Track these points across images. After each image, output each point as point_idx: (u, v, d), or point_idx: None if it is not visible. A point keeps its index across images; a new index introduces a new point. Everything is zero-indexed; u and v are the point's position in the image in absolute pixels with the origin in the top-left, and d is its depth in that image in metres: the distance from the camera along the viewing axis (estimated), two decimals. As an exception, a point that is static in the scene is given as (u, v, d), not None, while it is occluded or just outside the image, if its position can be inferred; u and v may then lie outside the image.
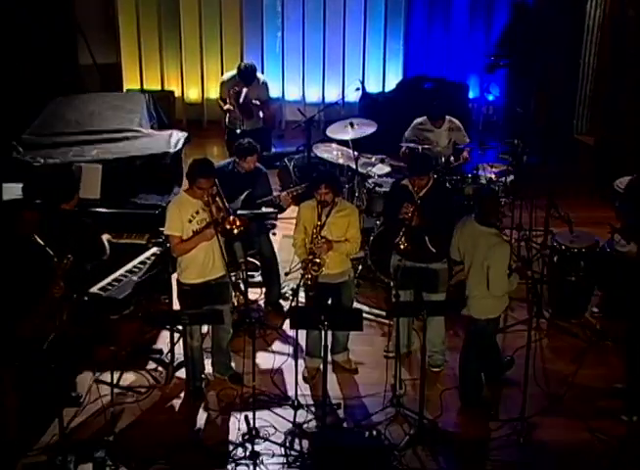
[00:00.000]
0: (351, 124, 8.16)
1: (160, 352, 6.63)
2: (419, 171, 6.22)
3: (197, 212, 5.87)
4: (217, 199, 5.86)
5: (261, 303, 7.41)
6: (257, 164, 6.94)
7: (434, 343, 6.51)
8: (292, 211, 7.11)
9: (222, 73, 10.98)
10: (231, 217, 5.87)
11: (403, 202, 6.17)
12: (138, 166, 7.22)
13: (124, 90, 10.98)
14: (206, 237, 5.85)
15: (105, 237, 6.36)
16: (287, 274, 7.80)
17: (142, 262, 6.46)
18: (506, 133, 9.04)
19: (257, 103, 8.58)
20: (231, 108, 8.53)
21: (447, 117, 8.07)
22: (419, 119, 8.12)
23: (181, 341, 6.30)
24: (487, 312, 5.95)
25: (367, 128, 8.22)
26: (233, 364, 6.47)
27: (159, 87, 11.35)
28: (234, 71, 8.81)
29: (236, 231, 5.87)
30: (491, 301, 5.88)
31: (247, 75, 8.57)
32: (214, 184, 5.84)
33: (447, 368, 6.61)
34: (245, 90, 8.45)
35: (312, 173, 6.89)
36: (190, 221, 5.87)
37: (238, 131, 8.46)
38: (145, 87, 11.23)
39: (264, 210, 6.81)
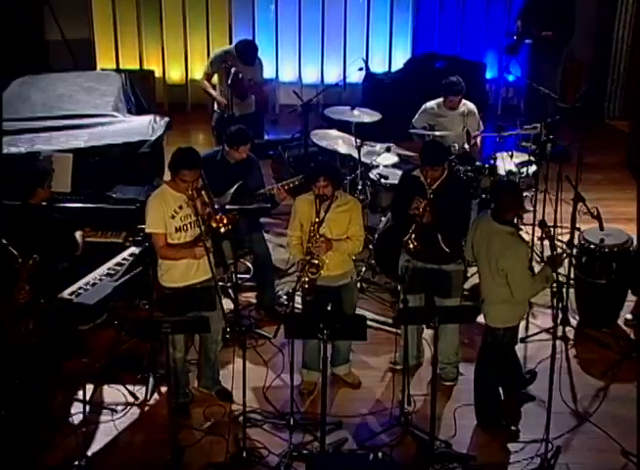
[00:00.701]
0: (353, 112, 8.18)
1: (139, 364, 6.65)
2: (433, 161, 6.22)
3: (180, 207, 5.88)
4: (203, 193, 5.86)
5: (253, 309, 7.43)
6: (249, 153, 6.95)
7: (446, 354, 6.53)
8: (286, 206, 7.12)
9: (209, 51, 11.03)
10: (218, 215, 5.87)
11: (414, 195, 6.18)
12: (114, 156, 7.23)
13: (98, 69, 10.98)
14: (194, 256, 5.86)
15: (78, 234, 6.37)
16: (281, 277, 7.82)
17: (118, 264, 6.46)
18: (528, 118, 9.03)
19: (252, 83, 8.60)
20: (220, 98, 8.51)
21: (463, 100, 8.08)
22: (429, 103, 8.13)
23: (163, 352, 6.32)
24: (504, 320, 5.96)
25: (370, 117, 8.24)
26: (221, 378, 6.49)
27: (137, 66, 11.36)
28: (227, 47, 8.82)
29: (223, 230, 5.86)
30: (508, 306, 5.89)
31: (248, 54, 8.58)
32: (200, 176, 5.85)
33: (461, 382, 6.62)
34: (234, 69, 8.46)
35: (310, 164, 6.89)
36: (173, 217, 5.88)
37: (226, 116, 8.48)
38: (121, 66, 11.24)
39: (256, 205, 6.83)
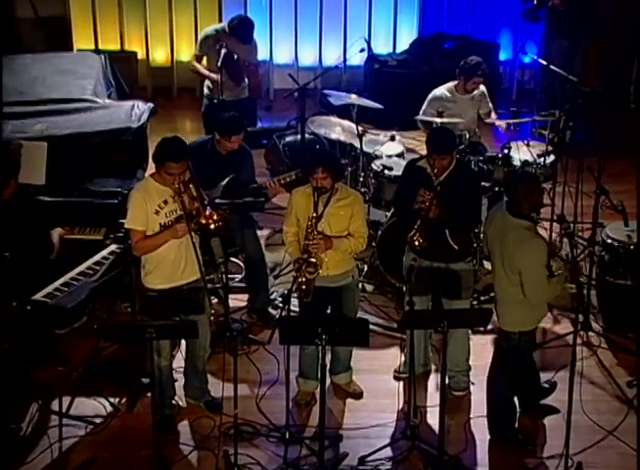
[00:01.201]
0: (354, 97, 8.19)
1: (121, 373, 6.63)
2: (440, 149, 6.21)
3: (165, 202, 5.88)
4: (191, 186, 5.85)
5: (245, 312, 7.44)
6: (242, 143, 6.94)
7: (456, 361, 6.53)
8: (282, 200, 7.13)
9: (196, 30, 11.02)
10: (207, 210, 5.86)
11: (419, 187, 6.18)
12: (92, 145, 7.22)
13: (74, 50, 10.97)
14: (177, 234, 5.84)
15: (56, 232, 6.36)
16: (276, 277, 7.82)
17: (98, 263, 6.46)
18: (545, 103, 9.04)
19: (247, 65, 8.60)
20: (214, 76, 8.50)
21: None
22: (440, 90, 8.11)
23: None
24: (520, 324, 5.95)
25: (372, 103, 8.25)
26: (210, 388, 6.49)
27: (117, 47, 11.36)
28: (218, 24, 8.81)
29: (213, 227, 5.85)
30: (524, 309, 5.89)
31: (244, 31, 8.57)
32: (187, 168, 5.85)
33: (473, 392, 6.62)
34: (224, 50, 8.45)
35: (307, 153, 6.88)
36: (157, 213, 5.87)
37: (216, 101, 8.48)
38: (100, 47, 11.23)
39: (248, 199, 6.83)
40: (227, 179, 6.81)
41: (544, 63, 8.69)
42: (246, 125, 6.97)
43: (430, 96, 8.13)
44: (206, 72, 8.70)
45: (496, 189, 7.69)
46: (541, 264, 5.76)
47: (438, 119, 7.86)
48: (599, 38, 10.59)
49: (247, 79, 8.80)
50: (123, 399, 6.46)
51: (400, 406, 6.25)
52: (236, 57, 8.46)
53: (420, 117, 8.12)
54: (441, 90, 8.12)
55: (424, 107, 8.13)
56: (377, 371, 6.85)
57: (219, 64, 8.40)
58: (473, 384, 6.65)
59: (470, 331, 6.61)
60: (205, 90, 8.85)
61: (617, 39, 10.65)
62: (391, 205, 7.59)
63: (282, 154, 9.25)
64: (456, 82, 8.06)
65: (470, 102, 8.06)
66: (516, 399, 6.22)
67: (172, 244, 5.90)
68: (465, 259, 6.41)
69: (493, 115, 8.22)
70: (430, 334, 6.73)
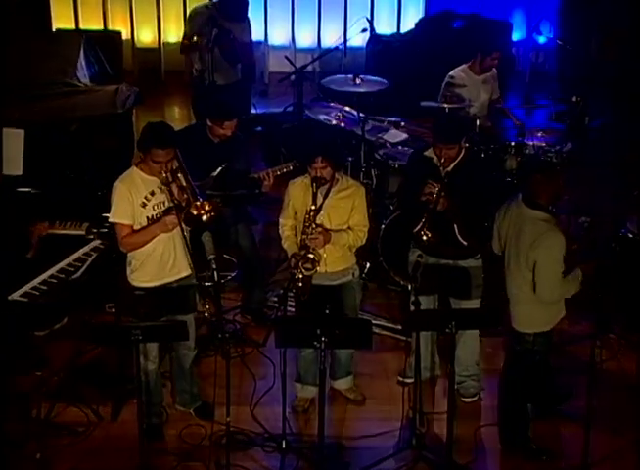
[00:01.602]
0: (355, 80, 8.17)
1: (104, 378, 6.63)
2: (447, 137, 6.20)
3: (152, 194, 5.87)
4: (180, 176, 5.84)
5: (238, 313, 7.45)
6: (235, 130, 6.93)
7: (465, 365, 6.53)
8: (278, 191, 7.10)
9: (185, 9, 11.01)
10: (198, 201, 5.86)
11: (426, 178, 6.17)
12: (74, 132, 7.22)
13: (53, 30, 10.95)
14: (166, 227, 5.84)
15: (37, 230, 6.36)
16: (271, 274, 7.81)
17: (79, 259, 6.47)
18: (562, 87, 9.04)
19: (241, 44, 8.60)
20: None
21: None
22: (456, 72, 8.13)
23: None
24: (535, 324, 5.94)
25: (375, 86, 8.23)
26: (200, 393, 6.48)
27: (100, 26, 11.35)
28: (210, 1, 8.78)
29: (205, 218, 5.84)
30: (540, 308, 5.88)
31: (237, 8, 8.55)
32: (175, 156, 5.84)
33: (483, 399, 6.63)
34: (215, 31, 8.43)
35: (305, 142, 6.87)
36: (144, 205, 5.86)
37: (207, 85, 8.47)
38: (82, 26, 11.22)
39: (243, 191, 6.85)
40: (219, 169, 6.80)
41: (560, 43, 8.69)
42: (240, 111, 6.94)
43: (446, 80, 8.13)
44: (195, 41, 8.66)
45: (508, 180, 7.68)
46: (557, 261, 5.74)
47: (447, 105, 7.85)
48: (610, 26, 10.58)
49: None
50: (107, 407, 6.45)
51: (405, 414, 6.24)
52: (232, 35, 8.42)
53: (426, 102, 8.11)
54: (457, 72, 8.16)
55: (443, 92, 8.12)
56: (380, 376, 6.86)
57: (211, 43, 8.36)
58: (483, 389, 6.66)
59: (479, 333, 6.60)
60: (194, 73, 8.83)
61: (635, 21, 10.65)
62: (395, 197, 7.60)
63: (278, 142, 9.25)
64: (470, 63, 8.05)
65: (482, 85, 8.06)
66: (530, 405, 6.20)
67: (160, 238, 5.89)
68: (474, 256, 6.40)
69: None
70: (437, 336, 6.72)
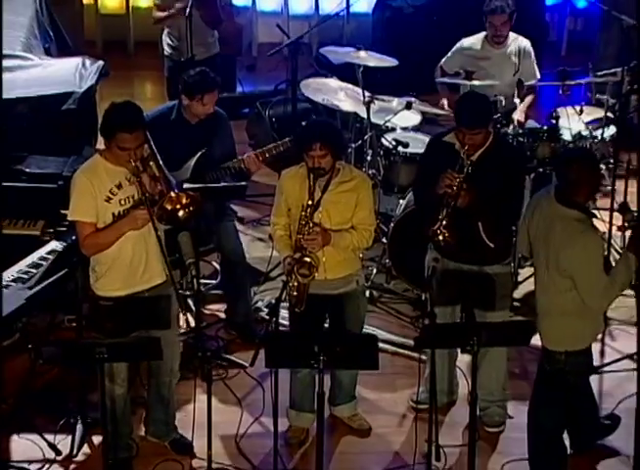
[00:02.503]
0: (359, 53, 8.18)
1: (63, 405, 6.61)
2: (472, 121, 6.16)
3: (119, 186, 5.85)
4: (151, 164, 5.83)
5: (221, 327, 7.43)
6: (217, 108, 6.94)
7: (490, 389, 6.52)
8: (268, 184, 7.10)
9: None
10: (174, 193, 5.84)
11: (446, 169, 6.14)
12: (25, 115, 7.20)
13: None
14: (135, 223, 5.81)
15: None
16: (261, 282, 7.81)
17: (34, 265, 6.45)
18: (604, 60, 9.02)
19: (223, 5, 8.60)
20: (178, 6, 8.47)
21: (513, 34, 8.09)
22: (468, 40, 8.14)
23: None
24: (567, 341, 5.91)
25: (383, 60, 8.24)
26: (177, 423, 6.47)
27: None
28: None
29: (182, 214, 5.82)
30: (575, 322, 5.85)
31: None
32: (145, 141, 5.83)
33: (511, 429, 6.62)
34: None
35: (300, 125, 6.87)
36: (108, 200, 5.84)
37: (183, 60, 8.47)
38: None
39: (227, 183, 6.85)
40: (197, 156, 6.79)
41: (604, 7, 8.67)
42: (220, 83, 6.92)
43: (455, 46, 8.14)
44: (172, 11, 8.65)
45: (540, 170, 7.67)
46: (597, 263, 5.72)
47: (467, 82, 7.84)
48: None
49: (216, 32, 8.77)
50: (66, 439, 6.42)
51: (418, 446, 6.23)
52: None
53: (442, 79, 8.10)
54: (470, 41, 8.14)
55: (445, 58, 8.14)
56: (388, 401, 6.86)
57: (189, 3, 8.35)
58: (510, 418, 6.65)
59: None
60: (166, 49, 8.84)
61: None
62: (407, 190, 7.59)
63: (268, 126, 9.25)
64: (487, 32, 8.06)
65: (506, 58, 8.04)
66: (566, 436, 6.20)
67: (129, 238, 5.86)
68: (502, 261, 6.38)
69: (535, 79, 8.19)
70: (456, 354, 6.71)
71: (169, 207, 5.80)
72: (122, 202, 5.86)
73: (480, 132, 6.16)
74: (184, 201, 5.82)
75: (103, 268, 5.96)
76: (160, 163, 5.91)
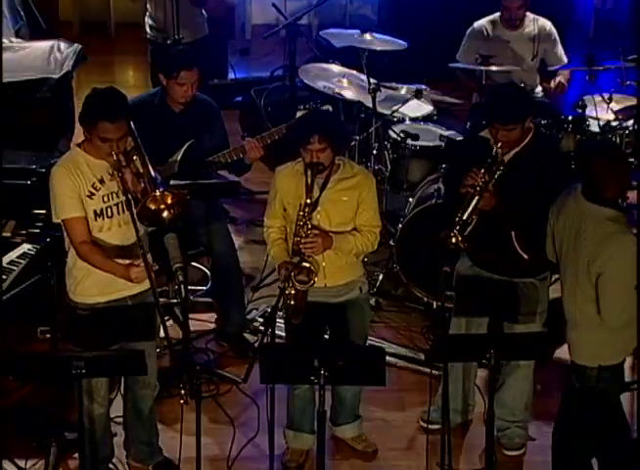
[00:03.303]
0: (363, 36, 8.20)
1: (36, 425, 6.62)
2: (503, 115, 6.09)
3: (101, 182, 5.85)
4: (135, 159, 5.85)
5: (212, 339, 7.46)
6: (205, 96, 6.97)
7: (511, 408, 6.53)
8: (262, 181, 7.11)
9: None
10: (158, 191, 5.85)
11: (477, 164, 6.06)
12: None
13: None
14: (128, 278, 5.83)
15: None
16: (255, 289, 7.82)
17: (4, 270, 6.45)
18: (636, 44, 9.02)
19: None
20: None
21: (532, 14, 8.10)
22: (480, 23, 8.15)
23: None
24: (600, 355, 5.89)
25: (390, 43, 8.26)
26: (162, 444, 6.48)
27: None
28: None
29: (166, 215, 5.82)
30: (607, 334, 5.85)
31: None
32: (129, 132, 5.85)
33: (533, 451, 6.63)
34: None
35: (298, 115, 6.89)
36: (91, 196, 5.84)
37: (169, 42, 8.49)
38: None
39: (218, 180, 6.91)
40: (184, 148, 6.81)
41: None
42: (201, 61, 6.93)
43: (468, 31, 8.17)
44: None
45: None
46: (628, 271, 5.69)
47: (484, 67, 7.86)
48: None
49: (203, 11, 8.81)
50: (39, 463, 6.43)
51: (430, 470, 6.25)
52: None
53: (457, 64, 8.12)
54: (482, 22, 8.17)
55: (462, 46, 8.15)
56: (396, 421, 6.89)
57: None
58: (532, 439, 6.66)
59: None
60: (148, 31, 8.86)
61: None
62: (416, 188, 7.60)
63: (263, 115, 9.27)
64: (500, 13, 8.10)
65: (523, 42, 8.06)
66: (595, 461, 6.19)
67: (110, 240, 5.88)
68: (538, 276, 6.34)
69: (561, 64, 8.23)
70: (474, 370, 6.73)
71: (153, 206, 5.79)
72: (105, 198, 5.86)
73: (515, 128, 6.10)
74: (169, 201, 5.81)
75: (81, 273, 5.96)
76: (146, 158, 5.92)
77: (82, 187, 5.82)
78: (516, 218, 6.17)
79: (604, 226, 5.72)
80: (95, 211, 5.85)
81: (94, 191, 5.84)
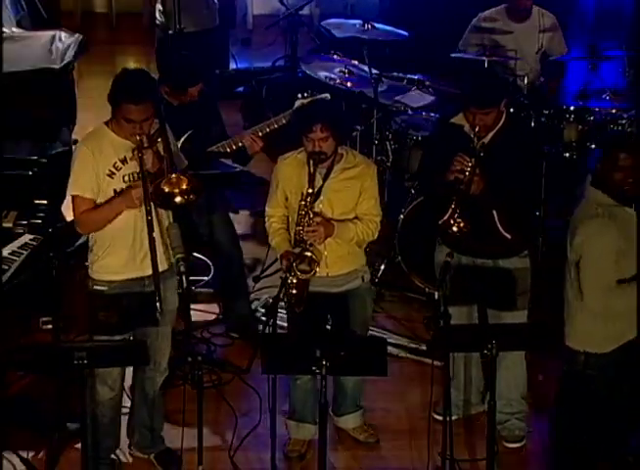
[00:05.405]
0: (365, 26, 8.19)
1: (38, 416, 6.62)
2: (481, 100, 6.18)
3: (123, 161, 5.85)
4: (160, 141, 5.86)
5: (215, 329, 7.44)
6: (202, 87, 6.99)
7: (508, 399, 6.54)
8: (264, 170, 7.10)
9: None
10: (174, 174, 5.81)
11: (455, 152, 6.16)
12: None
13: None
14: (131, 201, 5.81)
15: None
16: (257, 279, 7.83)
17: (5, 260, 6.46)
18: (638, 33, 9.01)
19: None
20: None
21: (536, 7, 8.09)
22: (485, 14, 8.15)
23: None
24: (589, 341, 5.82)
25: (392, 34, 8.25)
26: (164, 434, 6.47)
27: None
28: None
29: (178, 199, 5.79)
30: (596, 319, 5.82)
31: None
32: (155, 115, 5.84)
33: (533, 442, 6.63)
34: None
35: (300, 106, 6.88)
36: (112, 175, 5.85)
37: (173, 32, 8.47)
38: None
39: (219, 171, 6.90)
40: (183, 139, 6.82)
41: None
42: (205, 71, 6.95)
43: (472, 22, 8.15)
44: None
45: (566, 155, 7.68)
46: (603, 256, 5.66)
47: (486, 58, 7.85)
48: None
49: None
50: (41, 454, 6.44)
51: (431, 460, 6.22)
52: None
53: (459, 54, 8.11)
54: (488, 14, 8.15)
55: (464, 37, 8.17)
56: (398, 411, 6.89)
57: None
58: (530, 430, 6.66)
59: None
60: (158, 17, 8.84)
61: None
62: (419, 176, 7.59)
63: (264, 105, 9.25)
64: (508, 4, 8.07)
65: (529, 34, 8.06)
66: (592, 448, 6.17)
67: (131, 218, 5.87)
68: (520, 253, 6.39)
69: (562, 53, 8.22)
70: (476, 359, 6.70)
71: (167, 189, 5.77)
72: (126, 178, 5.87)
73: (492, 112, 6.17)
74: (184, 186, 5.79)
75: (100, 250, 5.98)
76: (171, 141, 5.94)
77: (102, 166, 5.84)
78: (498, 199, 6.19)
79: (588, 208, 5.71)
80: (115, 190, 5.87)
81: (115, 170, 5.86)
